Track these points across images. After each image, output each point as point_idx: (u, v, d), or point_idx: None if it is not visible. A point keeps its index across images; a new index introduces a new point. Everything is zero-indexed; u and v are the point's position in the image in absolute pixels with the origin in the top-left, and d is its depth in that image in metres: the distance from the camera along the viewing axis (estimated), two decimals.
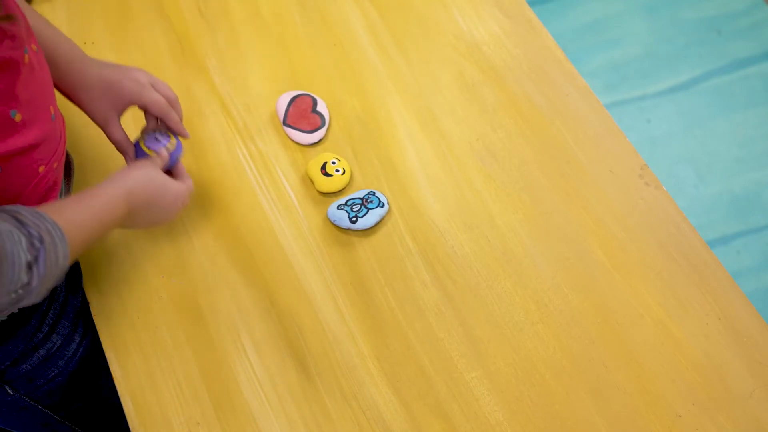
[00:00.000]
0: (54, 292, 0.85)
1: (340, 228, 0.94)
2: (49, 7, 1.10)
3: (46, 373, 0.87)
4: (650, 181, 1.00)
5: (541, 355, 0.88)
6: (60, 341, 0.86)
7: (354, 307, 0.89)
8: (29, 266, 0.60)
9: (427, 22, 1.13)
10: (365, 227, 0.93)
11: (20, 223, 0.61)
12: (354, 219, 0.92)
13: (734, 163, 2.02)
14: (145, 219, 0.81)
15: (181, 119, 0.88)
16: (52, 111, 0.73)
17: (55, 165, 0.75)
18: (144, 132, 0.88)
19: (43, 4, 1.10)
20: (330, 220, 0.94)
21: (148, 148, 0.85)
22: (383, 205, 0.94)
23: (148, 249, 0.92)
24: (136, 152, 0.87)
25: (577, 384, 0.86)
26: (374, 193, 0.95)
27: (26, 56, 0.65)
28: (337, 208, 0.93)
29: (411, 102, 1.05)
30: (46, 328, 0.84)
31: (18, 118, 0.65)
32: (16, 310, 0.63)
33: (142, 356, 0.86)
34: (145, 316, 0.88)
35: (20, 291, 0.60)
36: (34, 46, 0.69)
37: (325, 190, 0.96)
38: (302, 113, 1.01)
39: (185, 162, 0.98)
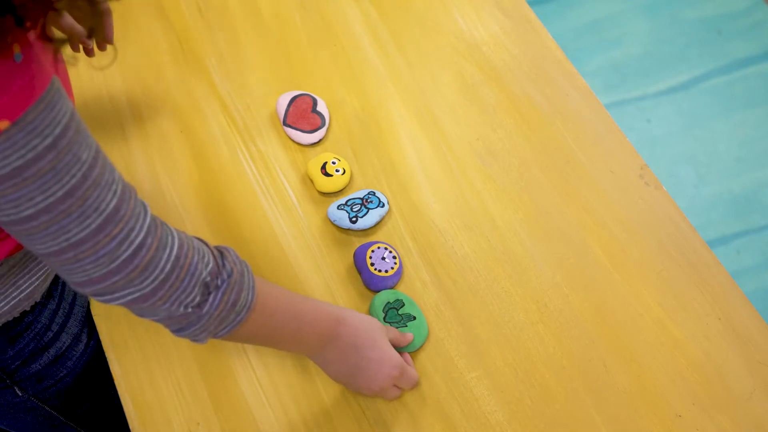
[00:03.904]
0: (63, 291, 0.85)
1: (340, 228, 0.94)
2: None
3: (55, 374, 0.87)
4: (650, 181, 1.00)
5: (541, 355, 0.88)
6: (69, 341, 0.86)
7: (354, 307, 0.89)
8: (206, 288, 0.61)
9: (427, 22, 1.13)
10: (365, 227, 0.93)
11: (221, 254, 0.63)
12: (354, 219, 0.92)
13: (734, 163, 2.02)
14: (342, 362, 0.76)
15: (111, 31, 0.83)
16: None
17: None
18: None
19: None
20: (330, 220, 0.94)
21: (375, 268, 0.87)
22: (383, 205, 0.94)
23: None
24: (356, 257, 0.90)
25: (577, 384, 0.86)
26: (374, 193, 0.95)
27: None
28: (337, 208, 0.93)
29: (411, 102, 1.05)
30: (56, 327, 0.84)
31: None
32: (184, 336, 0.64)
33: (142, 356, 0.86)
34: None
35: (191, 310, 0.60)
36: None
37: (325, 190, 0.96)
38: (302, 113, 1.01)
39: (184, 162, 0.98)
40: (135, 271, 0.56)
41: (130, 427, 0.82)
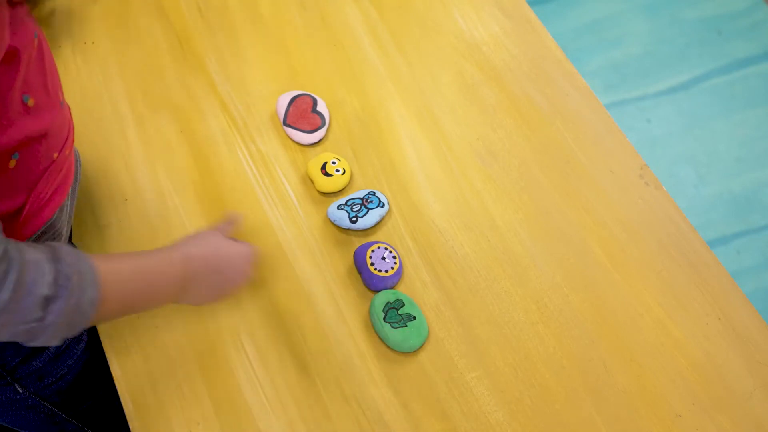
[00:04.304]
0: None
1: (340, 228, 0.94)
2: (50, 7, 1.10)
3: (56, 371, 0.87)
4: (650, 181, 1.00)
5: (541, 355, 0.88)
6: (69, 339, 0.86)
7: (354, 307, 0.89)
8: (46, 301, 0.59)
9: (427, 22, 1.13)
10: (365, 227, 0.93)
11: (56, 258, 0.60)
12: (354, 219, 0.92)
13: (734, 163, 2.02)
14: (208, 288, 0.77)
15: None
16: (61, 97, 0.74)
17: (67, 152, 0.75)
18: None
19: (44, 5, 1.10)
20: (330, 220, 0.94)
21: (375, 268, 0.88)
22: (383, 205, 0.94)
23: (148, 249, 0.92)
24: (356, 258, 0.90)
25: (577, 384, 0.86)
26: (374, 193, 0.95)
27: (35, 41, 0.66)
28: (337, 208, 0.93)
29: (411, 102, 1.05)
30: None
31: (31, 103, 0.66)
32: (37, 344, 0.62)
33: (142, 356, 0.86)
34: (145, 316, 0.88)
35: (34, 324, 0.59)
36: (41, 34, 0.69)
37: (325, 190, 0.96)
38: (302, 113, 1.01)
39: (184, 162, 0.98)
40: None
41: (131, 427, 0.82)
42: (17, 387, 0.85)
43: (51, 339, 0.62)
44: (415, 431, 0.83)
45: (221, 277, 0.78)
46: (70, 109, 0.80)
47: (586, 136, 1.03)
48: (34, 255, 0.59)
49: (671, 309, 0.91)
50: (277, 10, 1.13)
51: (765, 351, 0.90)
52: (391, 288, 0.89)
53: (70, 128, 0.77)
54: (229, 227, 0.84)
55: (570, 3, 2.27)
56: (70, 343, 0.87)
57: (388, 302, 0.87)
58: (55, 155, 0.72)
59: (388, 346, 0.86)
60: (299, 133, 1.00)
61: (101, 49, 1.07)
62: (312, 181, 0.97)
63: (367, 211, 0.93)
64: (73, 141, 0.78)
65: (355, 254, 0.91)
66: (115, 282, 0.66)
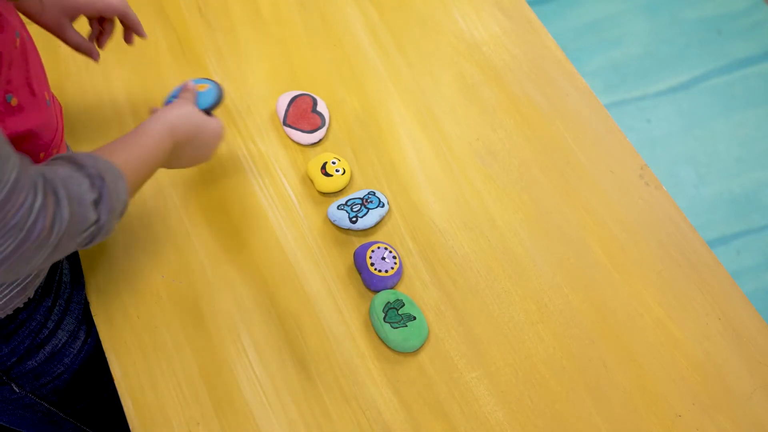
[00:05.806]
0: (59, 288, 0.85)
1: (340, 228, 0.94)
2: None
3: (52, 371, 0.87)
4: (650, 181, 1.00)
5: (541, 355, 0.88)
6: (66, 338, 0.87)
7: (354, 307, 0.89)
8: (95, 204, 0.63)
9: (427, 22, 1.13)
10: (365, 227, 0.93)
11: (78, 165, 0.64)
12: (354, 219, 0.92)
13: (734, 163, 2.02)
14: (189, 155, 0.83)
15: (138, 24, 0.91)
16: (47, 96, 0.73)
17: (54, 152, 0.75)
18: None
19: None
20: (330, 220, 0.94)
21: (375, 268, 0.89)
22: (383, 205, 0.94)
23: (148, 249, 0.92)
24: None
25: (577, 384, 0.86)
26: (374, 193, 0.95)
27: (17, 40, 0.65)
28: (337, 208, 0.93)
29: (411, 102, 1.05)
30: (52, 324, 0.84)
31: (14, 102, 0.66)
32: (95, 243, 0.67)
33: (142, 356, 0.86)
34: (145, 316, 0.88)
35: (92, 228, 0.64)
36: (25, 33, 0.69)
37: (325, 190, 0.96)
38: (302, 113, 1.01)
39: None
40: (43, 233, 0.58)
41: (131, 427, 0.82)
42: (14, 386, 0.85)
43: (106, 234, 0.67)
44: (415, 431, 0.83)
45: (199, 144, 0.83)
46: (61, 108, 0.79)
47: (586, 136, 1.03)
48: (62, 170, 0.63)
49: (671, 309, 0.91)
50: (277, 10, 1.13)
51: (765, 351, 0.90)
52: (391, 288, 0.89)
53: (58, 128, 0.76)
54: (190, 94, 0.88)
55: (570, 3, 2.28)
56: (66, 342, 0.87)
57: (388, 302, 0.87)
58: (42, 155, 0.72)
59: (388, 346, 0.87)
60: (299, 133, 1.00)
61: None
62: (312, 181, 0.97)
63: (367, 211, 0.93)
64: (61, 141, 0.77)
65: (355, 254, 0.91)
66: (127, 170, 0.71)
